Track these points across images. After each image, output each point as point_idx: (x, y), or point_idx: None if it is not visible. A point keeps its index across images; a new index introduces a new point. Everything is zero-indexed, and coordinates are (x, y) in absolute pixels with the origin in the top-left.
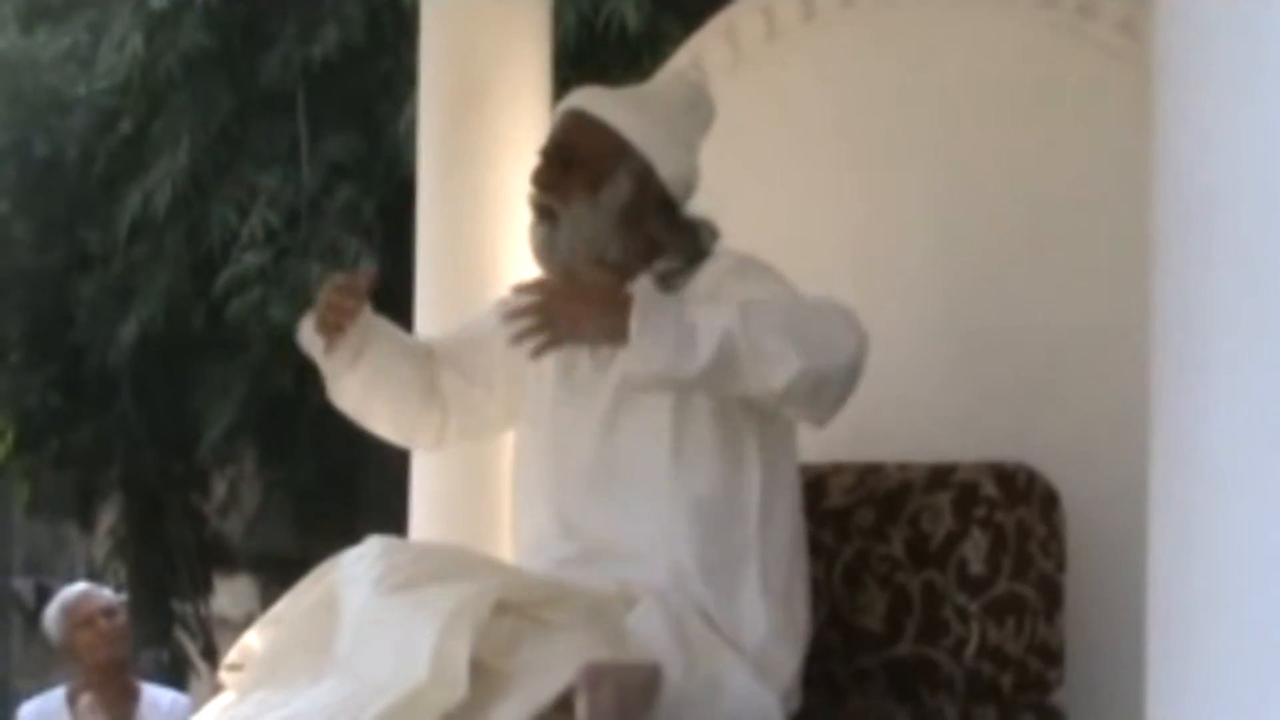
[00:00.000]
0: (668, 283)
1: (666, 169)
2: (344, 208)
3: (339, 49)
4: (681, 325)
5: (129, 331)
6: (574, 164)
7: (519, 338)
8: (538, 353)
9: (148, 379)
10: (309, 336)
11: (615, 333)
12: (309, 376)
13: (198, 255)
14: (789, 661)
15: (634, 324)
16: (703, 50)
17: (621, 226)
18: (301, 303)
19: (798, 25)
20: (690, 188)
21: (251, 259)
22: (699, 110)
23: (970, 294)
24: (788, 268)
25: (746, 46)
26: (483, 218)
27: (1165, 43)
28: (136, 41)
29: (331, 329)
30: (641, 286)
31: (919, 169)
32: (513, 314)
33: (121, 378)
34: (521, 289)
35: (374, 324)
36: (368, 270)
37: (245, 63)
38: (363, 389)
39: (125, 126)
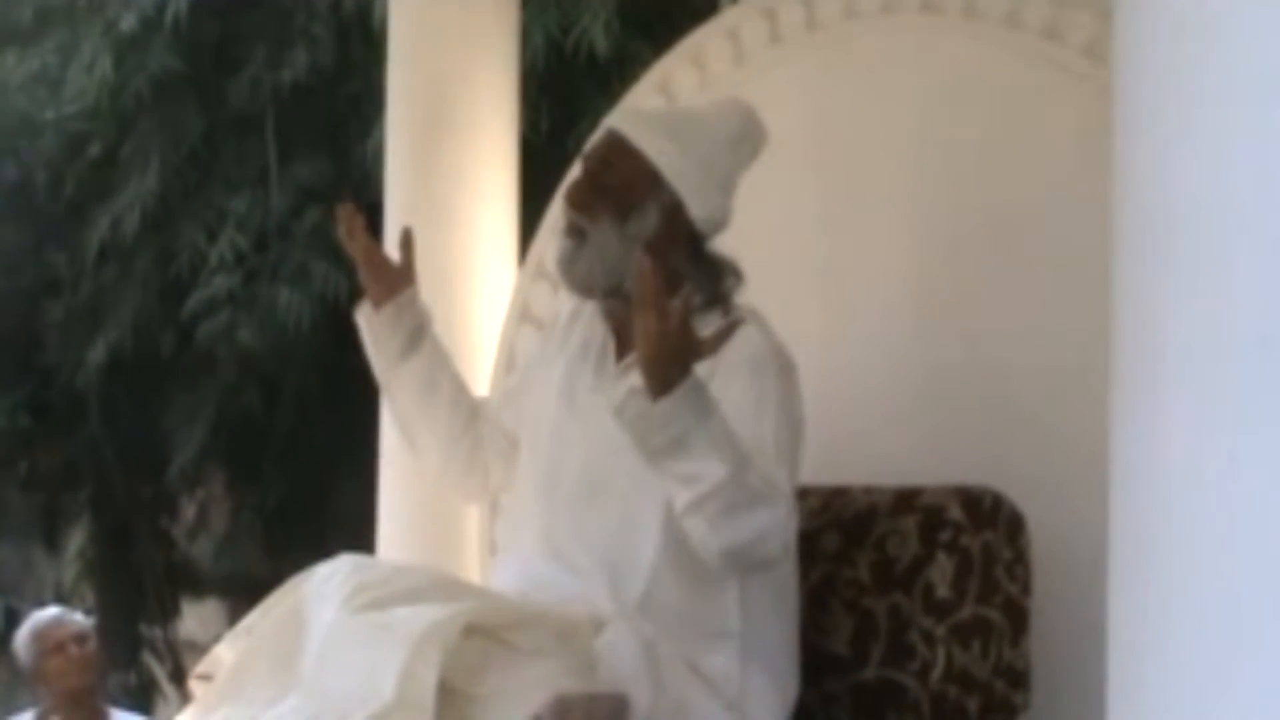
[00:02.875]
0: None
1: (697, 207)
2: (313, 230)
3: (308, 72)
4: (690, 432)
5: (98, 354)
6: (606, 187)
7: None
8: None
9: (116, 402)
10: (363, 311)
11: (654, 384)
12: (278, 399)
13: (166, 278)
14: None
15: (672, 395)
16: (670, 73)
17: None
18: (271, 330)
19: (764, 49)
20: (720, 225)
21: (220, 282)
22: (745, 144)
23: (936, 319)
24: (753, 294)
25: (713, 70)
26: (450, 239)
27: (1123, 65)
28: (105, 65)
29: (359, 247)
30: (695, 377)
31: (885, 193)
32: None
33: (90, 400)
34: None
35: (431, 329)
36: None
37: (214, 86)
38: (416, 395)
39: (94, 150)
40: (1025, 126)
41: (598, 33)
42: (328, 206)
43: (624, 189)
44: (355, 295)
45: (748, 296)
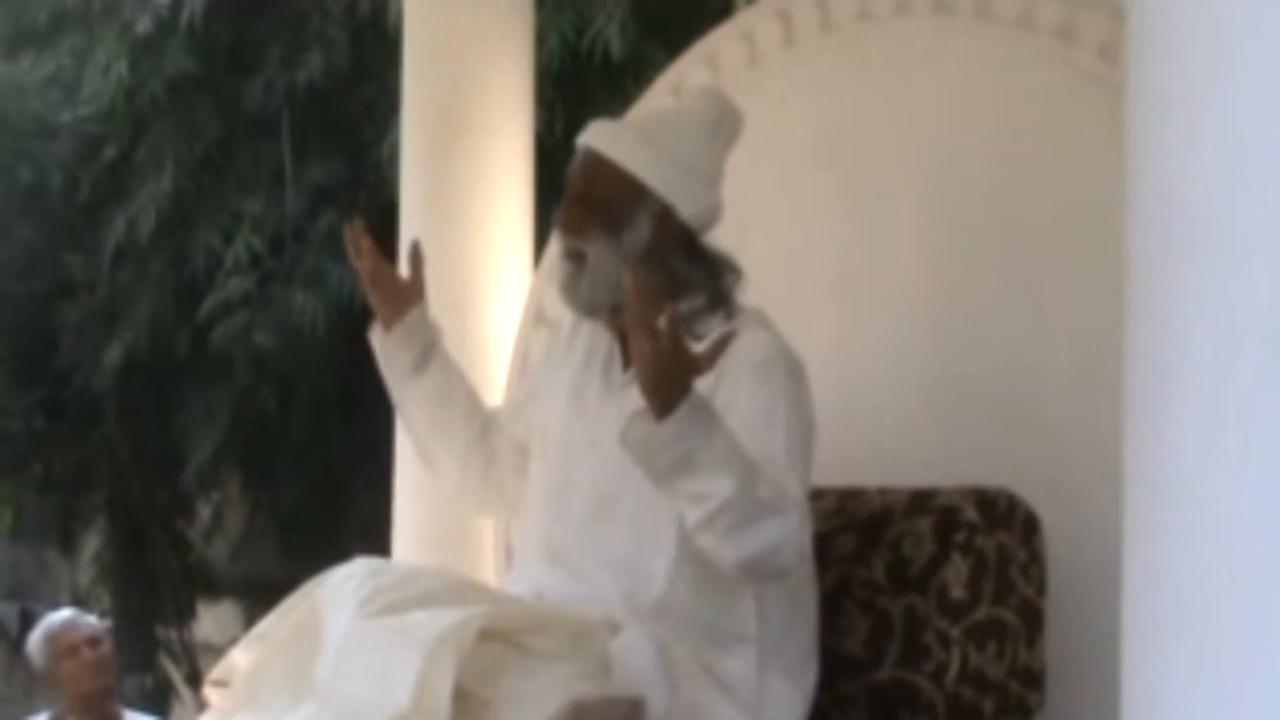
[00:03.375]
0: (688, 324)
1: (686, 208)
2: (328, 233)
3: (323, 74)
4: (696, 451)
5: (113, 356)
6: (593, 206)
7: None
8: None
9: (132, 404)
10: (375, 333)
11: (655, 405)
12: (293, 401)
13: (182, 280)
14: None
15: (674, 415)
16: (684, 76)
17: (643, 267)
18: (286, 332)
19: (779, 51)
20: (713, 219)
21: (236, 284)
22: (722, 132)
23: (951, 320)
24: (769, 295)
25: (728, 72)
26: (465, 242)
27: (1136, 67)
28: (121, 67)
29: (366, 266)
30: (696, 394)
31: (900, 193)
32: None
33: (106, 403)
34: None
35: (441, 344)
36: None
37: (229, 88)
38: (429, 412)
39: (109, 152)
40: (1039, 127)
41: (613, 34)
42: (343, 209)
43: (611, 205)
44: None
45: (761, 298)
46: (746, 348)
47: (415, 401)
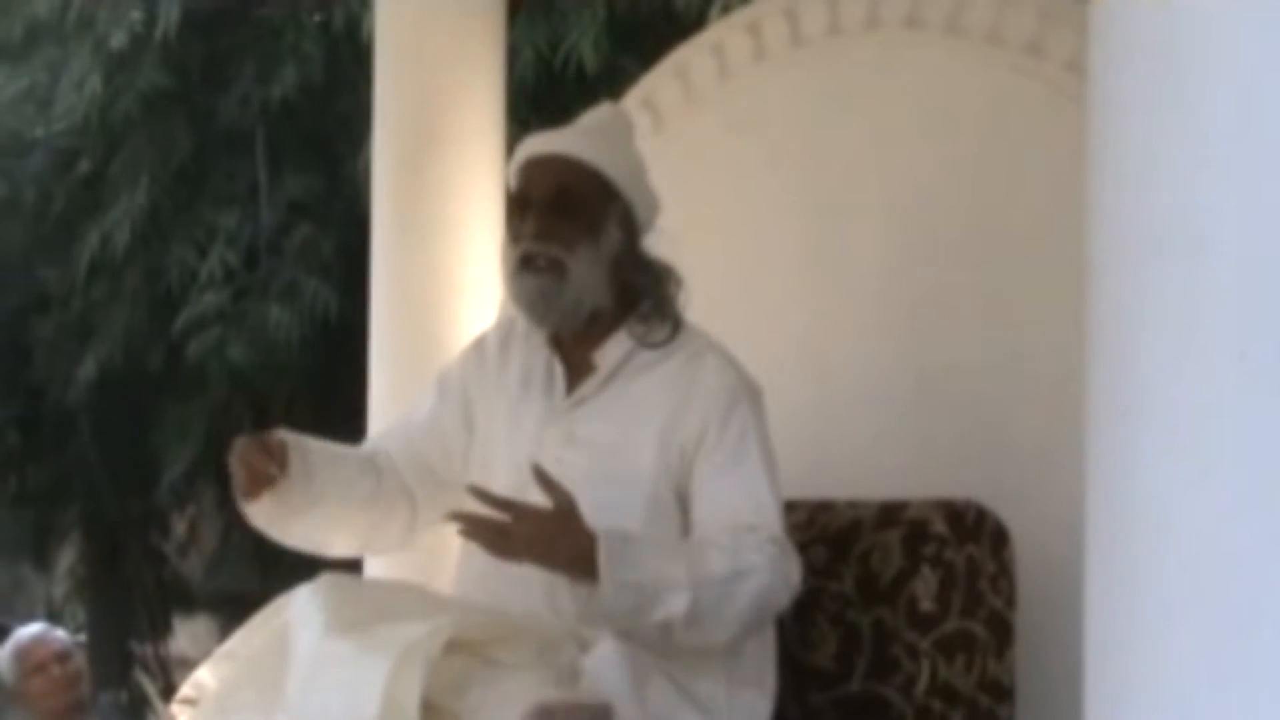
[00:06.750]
0: (645, 329)
1: (642, 208)
2: (303, 247)
3: (298, 88)
4: (641, 578)
5: (88, 371)
6: (571, 212)
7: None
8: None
9: (107, 419)
10: (251, 507)
11: (579, 567)
12: (268, 415)
13: (156, 295)
14: None
15: (601, 566)
16: (655, 89)
17: (612, 274)
18: (260, 347)
19: (749, 64)
20: (653, 223)
21: (210, 299)
22: (634, 137)
23: (920, 333)
24: (739, 308)
25: (698, 85)
26: (437, 256)
27: (1099, 81)
28: (95, 82)
29: (256, 487)
30: (606, 540)
31: (870, 207)
32: (469, 527)
33: (80, 417)
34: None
35: (310, 451)
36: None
37: (204, 102)
38: (325, 524)
39: (84, 166)
40: (1008, 140)
41: (586, 48)
42: (318, 223)
43: (587, 207)
44: (344, 312)
45: (730, 312)
46: (712, 378)
47: (326, 519)
